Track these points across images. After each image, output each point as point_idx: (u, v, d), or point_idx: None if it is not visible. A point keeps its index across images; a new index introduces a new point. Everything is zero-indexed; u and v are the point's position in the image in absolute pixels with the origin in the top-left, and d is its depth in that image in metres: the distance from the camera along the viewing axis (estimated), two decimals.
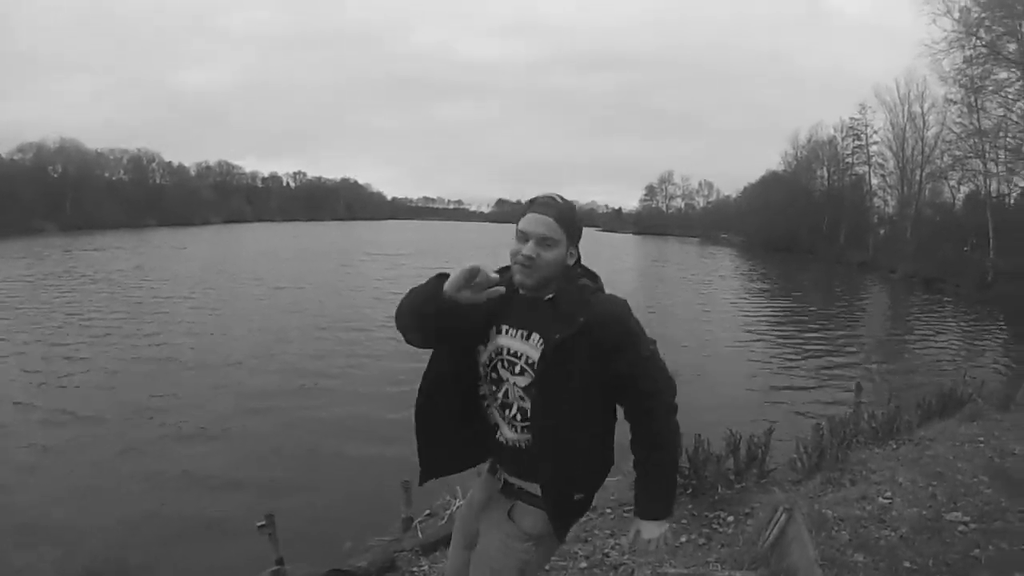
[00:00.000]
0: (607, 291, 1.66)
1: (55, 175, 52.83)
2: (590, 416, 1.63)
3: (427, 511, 4.31)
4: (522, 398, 1.64)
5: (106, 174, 60.16)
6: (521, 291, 1.61)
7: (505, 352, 1.64)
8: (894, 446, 4.97)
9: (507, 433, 1.70)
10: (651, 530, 1.66)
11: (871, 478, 4.14)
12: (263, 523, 3.60)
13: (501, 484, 1.77)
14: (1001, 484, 3.83)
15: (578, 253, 1.65)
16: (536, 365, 1.58)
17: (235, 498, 5.92)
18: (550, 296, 1.61)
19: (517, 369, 1.62)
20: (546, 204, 1.56)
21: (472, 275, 1.45)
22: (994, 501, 3.61)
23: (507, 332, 1.63)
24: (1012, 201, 28.38)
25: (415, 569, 3.30)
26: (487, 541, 1.74)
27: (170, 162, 69.24)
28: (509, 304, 1.60)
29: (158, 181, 65.55)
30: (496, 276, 1.49)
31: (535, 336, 1.60)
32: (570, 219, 1.58)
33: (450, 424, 1.73)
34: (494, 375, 1.67)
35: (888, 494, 3.79)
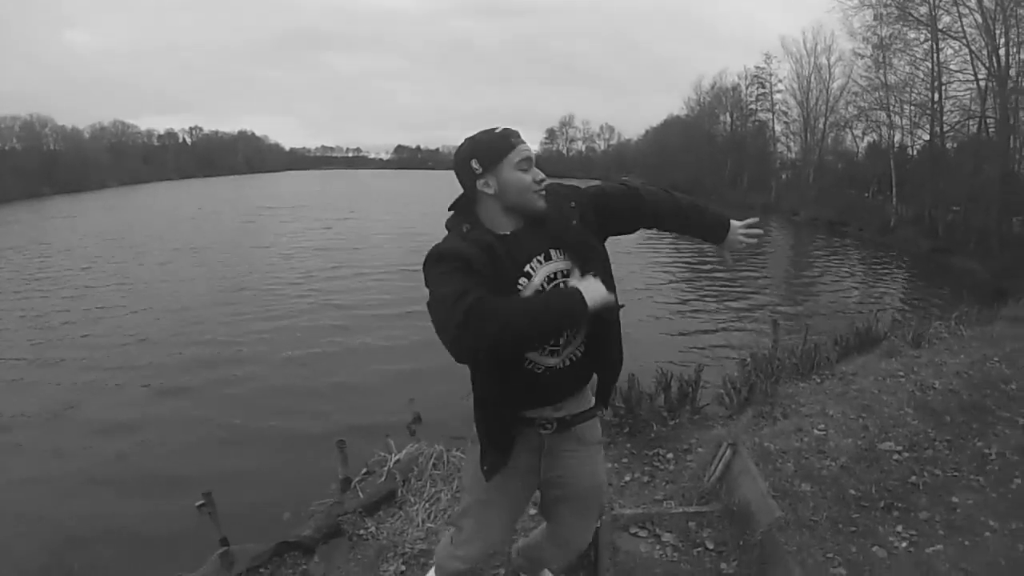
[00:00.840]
0: None
1: None
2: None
3: (364, 470, 4.10)
4: None
5: None
6: (501, 232, 1.58)
7: (558, 276, 1.60)
8: (818, 380, 5.12)
9: (553, 361, 1.65)
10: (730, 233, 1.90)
11: (801, 411, 4.26)
12: (202, 502, 3.48)
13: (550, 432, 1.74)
14: (925, 415, 4.01)
15: None
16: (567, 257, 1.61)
17: (167, 485, 5.54)
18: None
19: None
20: (517, 132, 1.59)
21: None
22: (922, 431, 3.78)
23: (535, 266, 1.58)
24: (915, 153, 29.81)
25: (362, 531, 3.13)
26: (589, 470, 1.82)
27: (63, 126, 63.51)
28: (505, 253, 1.53)
29: (52, 147, 59.60)
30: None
31: (554, 252, 1.60)
32: None
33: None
34: None
35: (822, 426, 3.91)
